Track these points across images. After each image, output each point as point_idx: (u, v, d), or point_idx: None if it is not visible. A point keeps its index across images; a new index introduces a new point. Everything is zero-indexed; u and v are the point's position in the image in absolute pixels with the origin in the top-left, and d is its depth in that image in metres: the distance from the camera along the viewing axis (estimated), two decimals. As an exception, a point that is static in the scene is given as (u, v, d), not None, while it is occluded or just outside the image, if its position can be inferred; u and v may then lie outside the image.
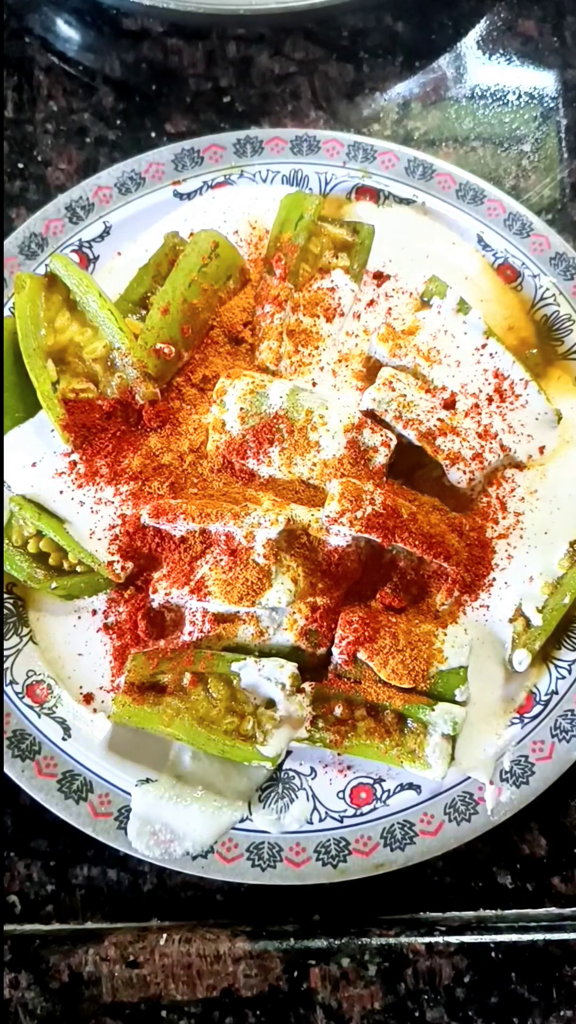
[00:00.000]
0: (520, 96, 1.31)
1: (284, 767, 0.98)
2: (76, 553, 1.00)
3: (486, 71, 1.32)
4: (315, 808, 0.97)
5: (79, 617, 1.03)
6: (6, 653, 1.01)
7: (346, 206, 1.18)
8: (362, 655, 0.97)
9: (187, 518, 0.98)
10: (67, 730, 0.99)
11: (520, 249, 1.15)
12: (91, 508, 1.01)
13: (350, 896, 0.98)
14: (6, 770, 0.97)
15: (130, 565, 1.01)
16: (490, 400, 1.07)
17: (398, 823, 0.97)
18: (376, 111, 1.29)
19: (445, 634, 0.98)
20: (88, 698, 1.01)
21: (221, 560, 0.98)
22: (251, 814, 0.97)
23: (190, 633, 0.99)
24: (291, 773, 0.99)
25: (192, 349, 1.08)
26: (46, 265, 1.08)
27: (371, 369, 1.09)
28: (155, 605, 1.01)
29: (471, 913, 1.00)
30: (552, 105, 1.30)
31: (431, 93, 1.30)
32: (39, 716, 0.99)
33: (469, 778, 0.97)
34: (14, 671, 1.00)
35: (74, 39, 1.31)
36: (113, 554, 1.00)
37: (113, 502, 1.01)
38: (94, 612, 1.03)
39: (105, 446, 1.04)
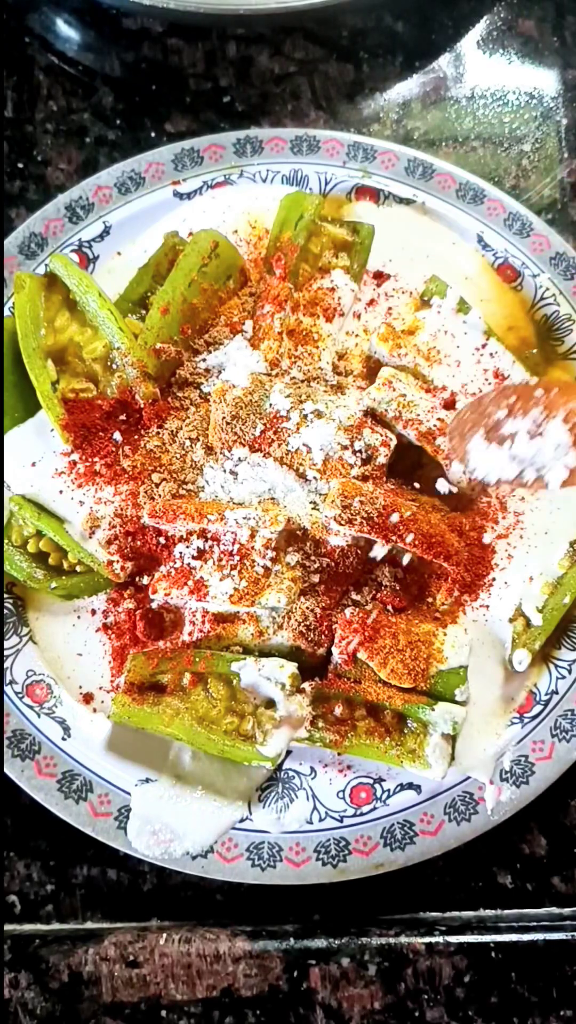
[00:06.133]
0: (520, 96, 1.31)
1: (284, 767, 0.98)
2: (76, 553, 1.00)
3: (486, 71, 1.32)
4: (315, 808, 0.97)
5: (79, 617, 1.03)
6: (6, 653, 1.01)
7: (346, 206, 1.18)
8: (362, 655, 0.97)
9: (187, 518, 0.98)
10: (67, 730, 0.99)
11: (520, 249, 1.15)
12: (91, 508, 1.01)
13: (350, 896, 0.98)
14: (6, 770, 0.97)
15: (130, 565, 1.01)
16: (490, 400, 1.07)
17: (398, 823, 0.97)
18: (376, 111, 1.29)
19: (445, 634, 0.98)
20: (88, 698, 1.01)
21: (221, 560, 0.98)
22: (251, 814, 0.97)
23: (190, 633, 0.99)
24: (291, 773, 0.99)
25: (191, 349, 1.08)
26: (46, 265, 1.08)
27: (371, 369, 1.09)
28: (155, 605, 1.01)
29: (471, 913, 1.00)
30: (552, 105, 1.30)
31: (431, 93, 1.30)
32: (39, 716, 0.99)
33: (469, 778, 0.97)
34: (14, 671, 1.00)
35: (74, 39, 1.31)
36: (113, 554, 1.00)
37: (113, 502, 1.01)
38: (94, 612, 1.03)
39: (105, 446, 1.04)
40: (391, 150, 1.19)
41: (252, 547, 0.97)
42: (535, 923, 0.98)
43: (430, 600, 1.01)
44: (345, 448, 1.02)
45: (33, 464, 1.03)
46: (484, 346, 1.08)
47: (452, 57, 1.32)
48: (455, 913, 1.00)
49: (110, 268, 1.15)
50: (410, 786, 0.98)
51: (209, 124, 1.27)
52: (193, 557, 0.99)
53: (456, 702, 0.96)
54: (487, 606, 1.01)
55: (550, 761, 0.98)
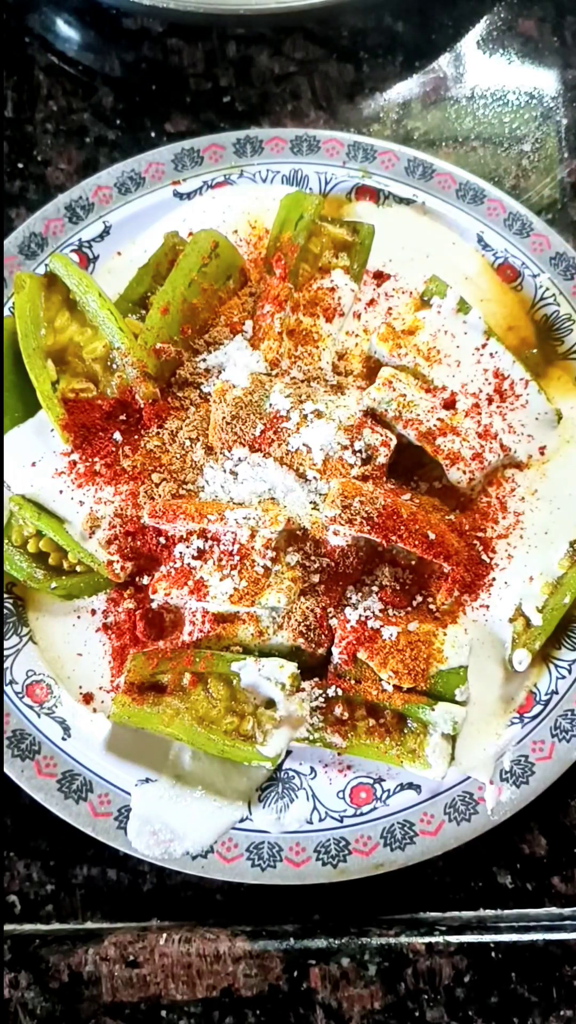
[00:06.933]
0: (520, 96, 1.31)
1: (284, 767, 0.98)
2: (76, 553, 1.00)
3: (486, 71, 1.32)
4: (315, 808, 0.97)
5: (79, 617, 1.03)
6: (6, 653, 1.01)
7: (346, 206, 1.18)
8: (362, 655, 0.97)
9: (187, 518, 0.98)
10: (67, 730, 0.99)
11: (520, 249, 1.15)
12: (91, 508, 1.01)
13: (350, 896, 0.98)
14: (6, 770, 0.97)
15: (130, 565, 1.01)
16: (490, 400, 1.07)
17: (398, 823, 0.97)
18: (376, 111, 1.29)
19: (445, 634, 0.98)
20: (88, 698, 1.01)
21: (221, 560, 0.98)
22: (251, 814, 0.97)
23: (190, 633, 0.99)
24: (291, 773, 0.99)
25: (191, 349, 1.08)
26: (46, 265, 1.08)
27: (371, 369, 1.09)
28: (155, 605, 1.01)
29: (471, 913, 1.00)
30: (552, 105, 1.30)
31: (431, 93, 1.30)
32: (39, 716, 0.99)
33: (469, 778, 0.97)
34: (14, 671, 1.00)
35: (74, 39, 1.31)
36: (113, 554, 1.00)
37: (113, 502, 1.01)
38: (94, 612, 1.03)
39: (105, 446, 1.04)
40: (391, 150, 1.19)
41: (252, 547, 0.97)
42: (535, 923, 0.98)
43: (430, 600, 1.01)
44: (345, 448, 1.02)
45: (33, 464, 1.03)
46: (484, 346, 1.08)
47: (452, 57, 1.32)
48: (455, 913, 1.00)
49: (110, 268, 1.15)
50: (410, 786, 0.98)
51: (209, 124, 1.27)
52: (193, 557, 0.99)
53: (456, 702, 0.96)
54: (487, 606, 1.01)
55: (550, 761, 0.98)
